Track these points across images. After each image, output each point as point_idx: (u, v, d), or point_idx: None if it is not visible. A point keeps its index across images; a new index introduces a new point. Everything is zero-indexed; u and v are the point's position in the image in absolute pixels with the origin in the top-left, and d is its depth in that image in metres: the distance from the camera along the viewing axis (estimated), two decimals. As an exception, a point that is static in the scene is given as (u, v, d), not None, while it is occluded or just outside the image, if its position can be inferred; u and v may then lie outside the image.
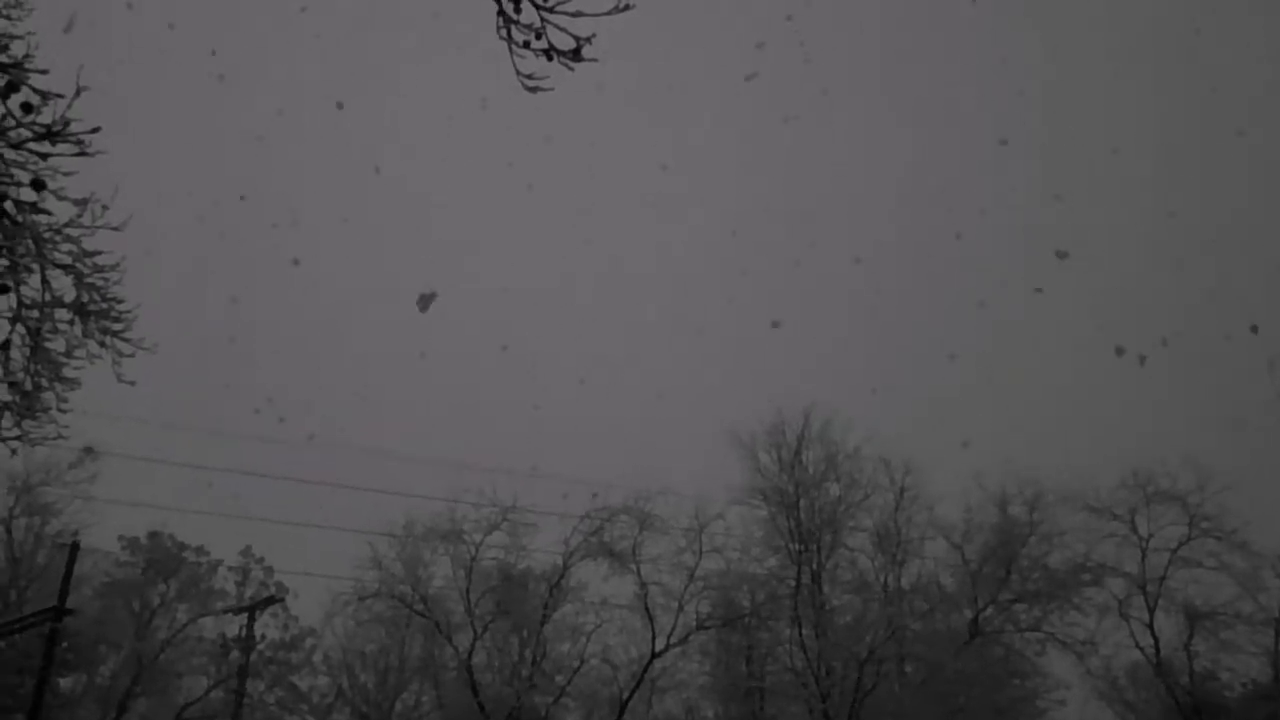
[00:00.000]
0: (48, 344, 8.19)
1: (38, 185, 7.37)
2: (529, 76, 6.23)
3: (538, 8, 6.08)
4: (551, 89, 6.30)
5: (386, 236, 71.09)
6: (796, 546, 28.00)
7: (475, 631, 25.94)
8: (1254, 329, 22.62)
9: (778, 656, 28.10)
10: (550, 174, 78.23)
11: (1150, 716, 29.18)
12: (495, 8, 6.07)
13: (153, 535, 32.79)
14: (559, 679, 26.14)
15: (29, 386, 8.30)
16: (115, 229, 7.89)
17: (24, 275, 7.86)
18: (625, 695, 25.93)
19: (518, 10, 6.10)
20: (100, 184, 7.72)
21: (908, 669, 27.62)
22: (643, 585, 26.50)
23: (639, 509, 26.70)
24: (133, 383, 8.62)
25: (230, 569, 33.94)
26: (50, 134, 7.10)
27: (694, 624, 26.60)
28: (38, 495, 30.05)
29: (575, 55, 6.22)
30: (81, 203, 7.67)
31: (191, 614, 32.69)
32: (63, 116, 7.03)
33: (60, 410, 8.53)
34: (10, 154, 7.30)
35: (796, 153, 76.22)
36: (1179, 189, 67.61)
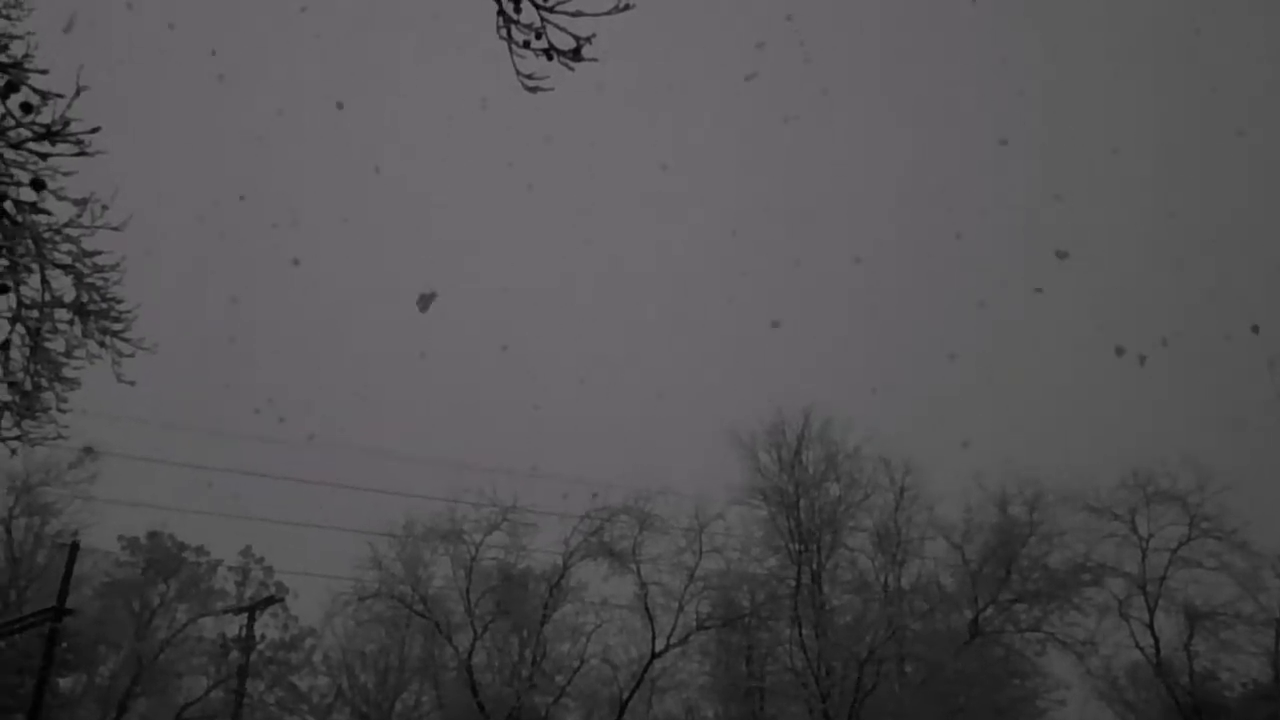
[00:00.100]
0: (47, 344, 8.19)
1: (37, 185, 7.37)
2: (529, 76, 6.23)
3: (538, 8, 6.08)
4: (551, 89, 6.30)
5: (386, 236, 71.13)
6: (796, 546, 28.00)
7: (475, 631, 25.94)
8: (1254, 329, 22.65)
9: (778, 656, 28.10)
10: (550, 174, 78.27)
11: (1150, 716, 29.17)
12: (495, 8, 6.07)
13: (152, 535, 32.80)
14: (559, 679, 26.14)
15: (29, 386, 8.30)
16: (115, 229, 7.89)
17: (24, 275, 7.86)
18: (625, 695, 25.93)
19: (518, 10, 6.10)
20: (100, 184, 7.72)
21: (908, 669, 27.62)
22: (643, 585, 26.54)
23: (639, 509, 26.72)
24: (132, 383, 8.62)
25: (230, 569, 33.98)
26: (50, 134, 7.10)
27: (694, 624, 26.61)
28: (37, 495, 30.06)
29: (575, 55, 6.22)
30: (81, 203, 7.67)
31: (191, 614, 32.70)
32: (62, 116, 7.03)
33: (60, 410, 8.53)
34: (10, 154, 7.30)
35: (796, 153, 76.25)
36: (1179, 189, 67.65)
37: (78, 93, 6.90)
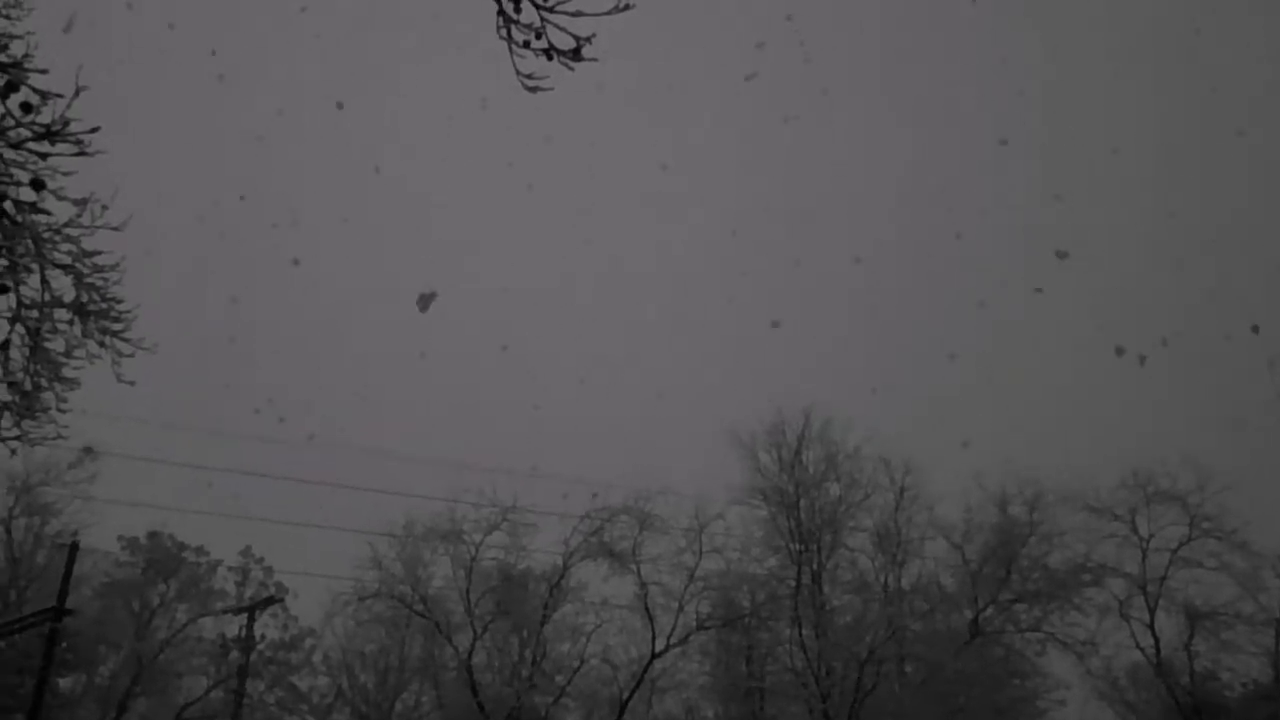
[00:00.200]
0: (47, 344, 8.19)
1: (37, 185, 7.37)
2: (529, 76, 6.23)
3: (538, 7, 6.08)
4: (551, 89, 6.30)
5: (386, 236, 71.12)
6: (796, 546, 28.00)
7: (475, 632, 25.94)
8: (1254, 329, 22.64)
9: (778, 657, 28.09)
10: (550, 174, 78.25)
11: (1150, 717, 29.16)
12: (495, 8, 6.07)
13: (152, 535, 32.79)
14: (559, 679, 26.14)
15: (28, 386, 8.30)
16: (115, 229, 7.89)
17: (23, 275, 7.86)
18: (625, 695, 25.92)
19: (518, 10, 6.09)
20: (99, 184, 7.72)
21: (908, 669, 27.62)
22: (643, 585, 26.53)
23: (639, 509, 26.72)
24: (132, 383, 8.62)
25: (230, 569, 33.97)
26: (50, 134, 7.09)
27: (694, 624, 26.60)
28: (37, 495, 30.06)
29: (575, 55, 6.21)
30: (81, 203, 7.67)
31: (191, 614, 32.70)
32: (62, 116, 7.03)
33: (60, 410, 8.53)
34: (10, 154, 7.29)
35: (796, 153, 76.24)
36: (1179, 189, 67.66)
37: (77, 93, 6.90)
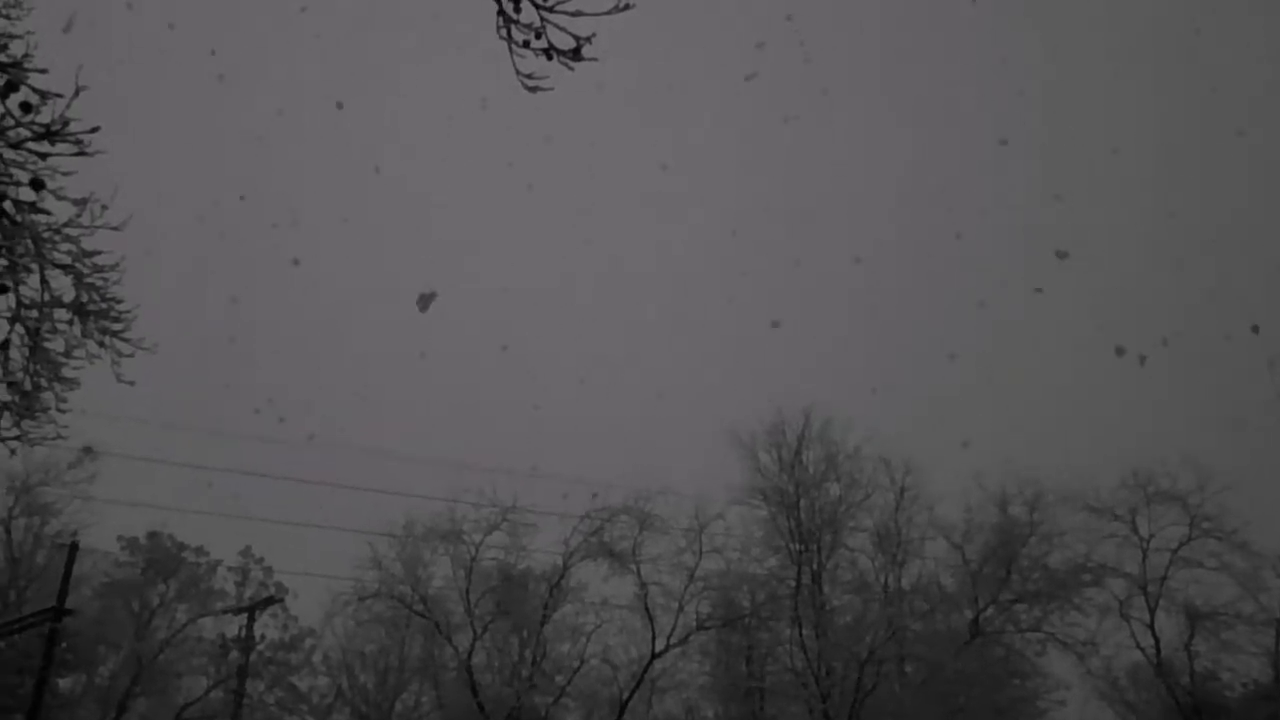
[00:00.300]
0: (47, 344, 8.18)
1: (37, 185, 7.36)
2: (529, 76, 6.23)
3: (537, 7, 6.07)
4: (551, 89, 6.29)
5: (386, 236, 71.13)
6: (797, 546, 27.99)
7: (475, 632, 25.93)
8: (1254, 329, 22.62)
9: (778, 657, 28.09)
10: (550, 174, 78.25)
11: (1151, 717, 29.16)
12: (495, 8, 6.06)
13: (152, 535, 32.79)
14: (559, 679, 26.14)
15: (28, 386, 8.29)
16: (115, 229, 7.88)
17: (23, 275, 7.86)
18: (625, 695, 25.92)
19: (517, 10, 6.09)
20: (99, 184, 7.71)
21: (908, 669, 27.61)
22: (643, 585, 26.53)
23: (639, 509, 26.71)
24: (132, 383, 8.62)
25: (230, 569, 33.96)
26: (49, 133, 7.09)
27: (694, 624, 26.60)
28: (37, 495, 30.05)
29: (575, 55, 6.21)
30: (81, 202, 7.66)
31: (191, 614, 32.69)
32: (62, 116, 7.03)
33: (59, 410, 8.52)
34: (9, 154, 7.29)
35: (796, 153, 76.24)
36: (1179, 189, 67.67)
37: (77, 92, 6.90)
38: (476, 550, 26.49)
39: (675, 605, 26.40)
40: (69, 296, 8.07)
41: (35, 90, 7.00)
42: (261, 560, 34.06)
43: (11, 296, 7.87)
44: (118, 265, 8.14)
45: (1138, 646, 28.37)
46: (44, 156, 7.26)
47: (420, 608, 26.14)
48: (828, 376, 52.02)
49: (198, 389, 42.93)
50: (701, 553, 26.82)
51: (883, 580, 28.47)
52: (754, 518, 28.67)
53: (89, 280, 8.06)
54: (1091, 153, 70.87)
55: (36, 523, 30.49)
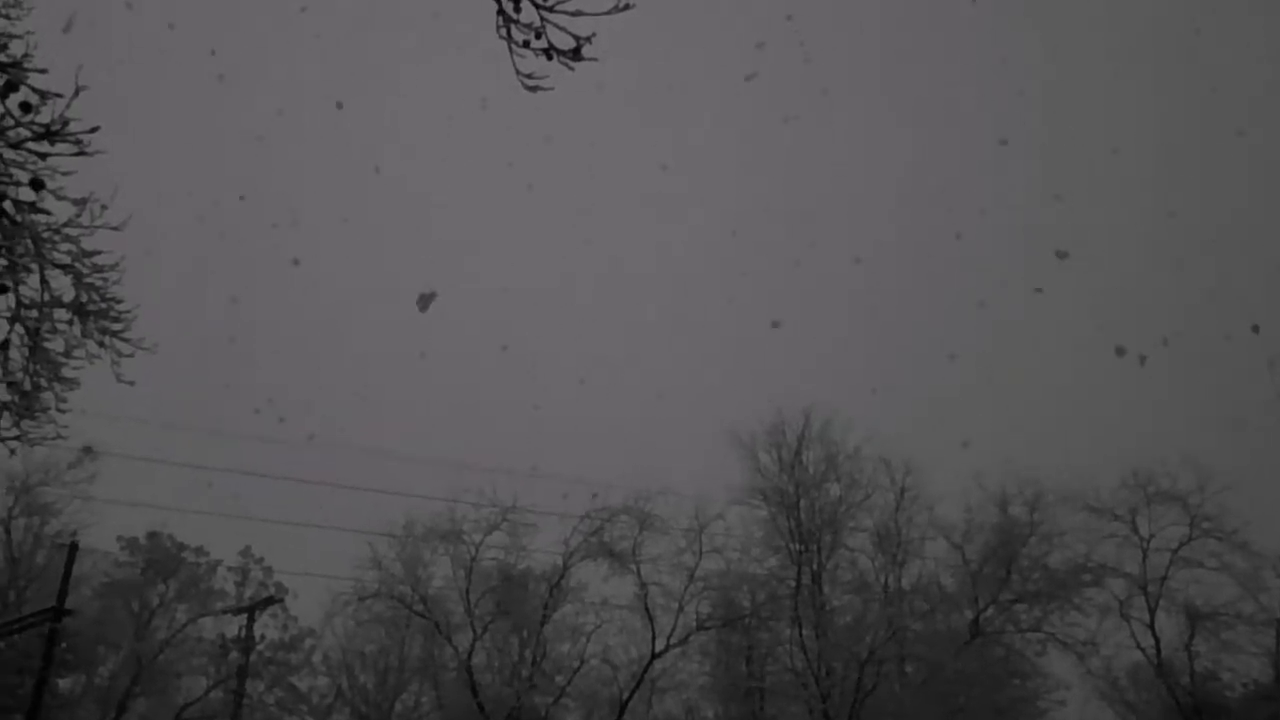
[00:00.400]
0: (47, 344, 8.18)
1: (36, 185, 7.36)
2: (529, 76, 6.22)
3: (537, 7, 6.07)
4: (551, 89, 6.29)
5: (386, 236, 71.12)
6: (797, 547, 27.99)
7: (475, 632, 25.93)
8: (1255, 329, 22.59)
9: (778, 657, 28.09)
10: (550, 174, 78.24)
11: (1151, 717, 29.14)
12: (495, 7, 6.06)
13: (152, 535, 32.78)
14: (559, 679, 26.13)
15: (28, 386, 8.29)
16: (114, 229, 7.88)
17: (23, 275, 7.86)
18: (625, 696, 25.92)
19: (517, 10, 6.08)
20: (99, 184, 7.71)
21: (908, 669, 27.61)
22: (643, 585, 26.52)
23: (639, 509, 26.71)
24: (132, 383, 8.62)
25: (230, 569, 33.96)
26: (49, 133, 7.08)
27: (694, 624, 26.60)
28: (37, 495, 30.05)
29: (575, 55, 6.20)
30: (80, 202, 7.66)
31: (191, 614, 32.69)
32: (62, 116, 7.02)
33: (59, 410, 8.52)
34: (9, 153, 7.29)
35: (796, 153, 76.22)
36: (1179, 189, 67.68)
37: (77, 92, 6.89)
38: (476, 550, 26.51)
39: (675, 605, 26.44)
40: (69, 296, 8.07)
41: (35, 90, 6.99)
42: (261, 560, 34.07)
43: (11, 296, 7.87)
44: (117, 265, 8.15)
45: (1138, 646, 28.39)
46: (44, 156, 7.26)
47: (420, 608, 26.14)
48: (828, 376, 51.98)
49: (198, 389, 42.92)
50: (701, 553, 26.85)
51: (883, 580, 28.49)
52: (754, 518, 28.71)
53: (89, 280, 8.06)
54: (1091, 152, 70.91)
55: (36, 523, 30.49)
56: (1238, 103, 63.66)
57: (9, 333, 8.03)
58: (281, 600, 32.29)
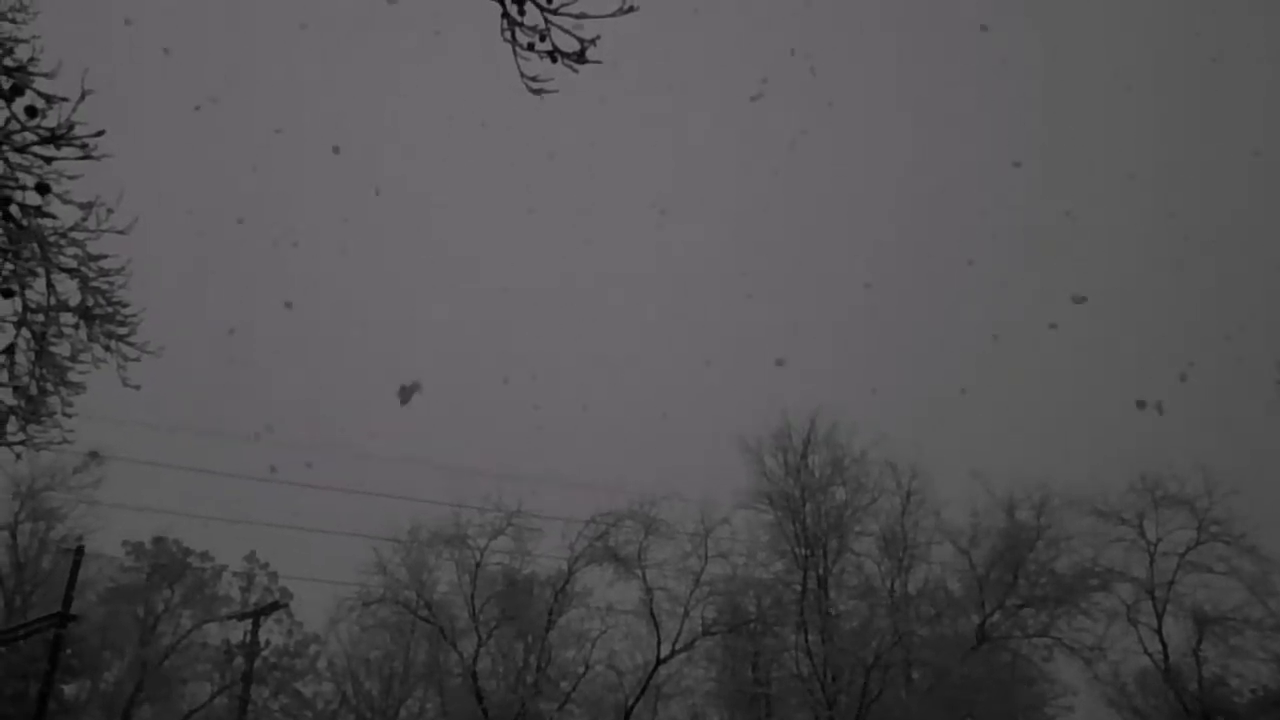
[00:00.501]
0: (53, 348, 8.18)
1: (42, 189, 7.37)
2: (533, 79, 6.22)
3: (542, 10, 6.06)
4: (555, 91, 6.28)
5: (387, 237, 71.31)
6: (802, 551, 27.88)
7: (480, 637, 25.87)
8: None
9: (784, 662, 27.96)
10: (550, 174, 78.46)
11: (1158, 723, 28.96)
12: (499, 10, 6.06)
13: (158, 540, 32.81)
14: (564, 685, 26.05)
15: (34, 391, 8.29)
16: (120, 232, 7.88)
17: (29, 279, 7.86)
18: (630, 701, 25.82)
19: (521, 13, 6.08)
20: (105, 188, 7.72)
21: (914, 675, 27.47)
22: (648, 590, 26.43)
23: (644, 514, 26.63)
24: (138, 387, 8.62)
25: (235, 574, 33.96)
26: (55, 137, 7.09)
27: (700, 629, 26.49)
28: (42, 500, 30.09)
29: (579, 58, 6.20)
30: (86, 206, 7.67)
31: (196, 620, 32.69)
32: (68, 120, 7.03)
33: (65, 415, 8.52)
34: (15, 157, 7.30)
35: (798, 152, 76.35)
36: (1179, 189, 67.62)
37: (83, 96, 6.90)
38: (481, 555, 26.47)
39: (681, 610, 26.34)
40: (75, 300, 8.08)
41: (41, 94, 7.00)
42: (266, 565, 34.07)
43: (18, 300, 7.87)
44: (123, 269, 8.15)
45: (1145, 652, 28.20)
46: (50, 160, 7.26)
47: (425, 613, 26.09)
48: (830, 378, 51.95)
49: (203, 393, 43.01)
50: (707, 557, 26.76)
51: (889, 585, 28.37)
52: (760, 522, 28.62)
53: (95, 284, 8.06)
54: (1091, 153, 70.92)
55: (42, 527, 30.52)
56: (1238, 104, 63.61)
57: (15, 337, 8.04)
58: (286, 606, 32.26)
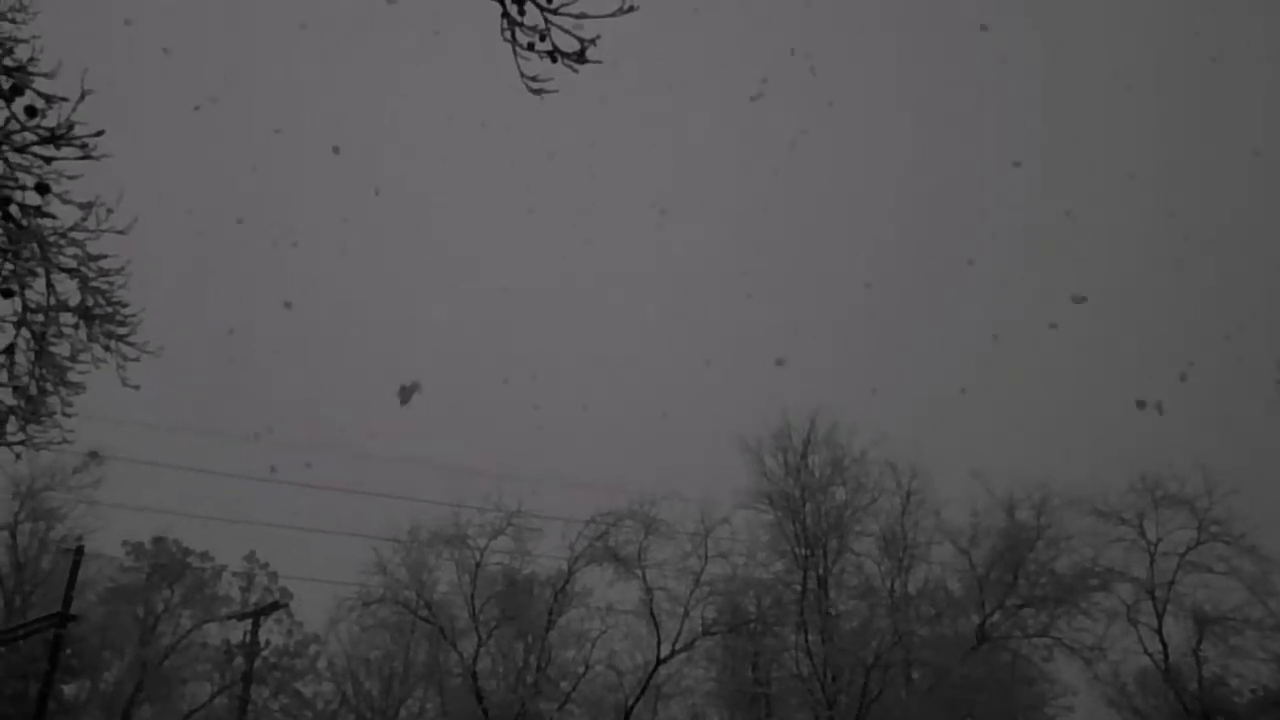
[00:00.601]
0: (52, 348, 8.18)
1: (42, 189, 7.37)
2: (533, 79, 6.21)
3: (542, 10, 6.06)
4: (555, 91, 6.28)
5: (387, 237, 71.32)
6: (802, 551, 27.88)
7: (480, 637, 25.87)
8: None
9: (784, 662, 27.96)
10: (550, 174, 78.52)
11: (1158, 723, 28.96)
12: (499, 10, 6.05)
13: (157, 540, 32.80)
14: (564, 685, 26.05)
15: (34, 391, 8.29)
16: (120, 232, 7.88)
17: (29, 279, 7.86)
18: (630, 701, 25.82)
19: (521, 13, 6.08)
20: (104, 188, 7.72)
21: (914, 675, 27.46)
22: (648, 590, 26.43)
23: (644, 513, 26.63)
24: (137, 387, 8.62)
25: (235, 574, 33.95)
26: (55, 137, 7.09)
27: (700, 629, 26.49)
28: (42, 500, 30.08)
29: (579, 58, 6.19)
30: (86, 206, 7.66)
31: (196, 620, 32.69)
32: (67, 120, 7.03)
33: (65, 414, 8.52)
34: (15, 157, 7.29)
35: (798, 152, 76.42)
36: (1179, 189, 67.66)
37: (83, 96, 6.90)
38: (481, 555, 26.47)
39: (681, 610, 26.34)
40: (74, 300, 8.08)
41: (40, 94, 7.00)
42: (266, 565, 34.06)
43: (17, 300, 7.87)
44: (123, 269, 8.15)
45: (1145, 652, 28.20)
46: (49, 160, 7.26)
47: (425, 613, 26.09)
48: (831, 378, 51.95)
49: (203, 393, 43.01)
50: (707, 557, 26.76)
51: (889, 585, 28.36)
52: (760, 522, 28.61)
53: (94, 284, 8.06)
54: (1091, 153, 70.95)
55: (42, 527, 30.52)
56: (1238, 104, 63.64)
57: (15, 337, 8.04)
58: (286, 606, 32.26)
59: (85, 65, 7.00)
